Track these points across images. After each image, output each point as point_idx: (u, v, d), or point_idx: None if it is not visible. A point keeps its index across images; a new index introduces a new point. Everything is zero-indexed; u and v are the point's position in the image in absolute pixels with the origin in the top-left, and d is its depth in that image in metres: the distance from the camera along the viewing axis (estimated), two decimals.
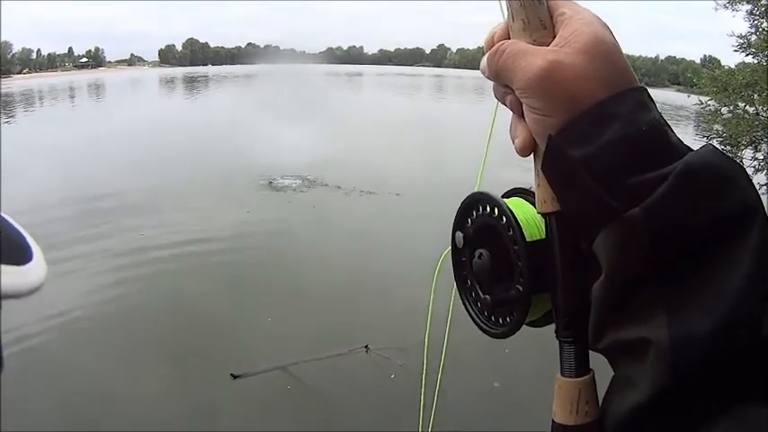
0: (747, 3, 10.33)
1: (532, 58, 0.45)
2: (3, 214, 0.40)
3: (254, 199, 11.83)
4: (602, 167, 0.42)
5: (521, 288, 0.50)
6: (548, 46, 0.47)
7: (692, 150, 0.43)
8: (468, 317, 0.56)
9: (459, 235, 0.56)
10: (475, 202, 0.55)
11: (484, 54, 0.51)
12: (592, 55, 0.44)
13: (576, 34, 0.45)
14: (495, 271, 0.53)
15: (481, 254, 0.54)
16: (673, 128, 0.46)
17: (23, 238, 0.40)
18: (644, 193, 0.40)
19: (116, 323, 6.48)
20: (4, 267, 0.35)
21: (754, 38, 10.23)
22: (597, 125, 0.43)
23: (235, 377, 5.26)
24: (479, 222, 0.54)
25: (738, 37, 10.38)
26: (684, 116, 41.40)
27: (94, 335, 6.22)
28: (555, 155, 0.45)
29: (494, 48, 0.49)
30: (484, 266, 0.53)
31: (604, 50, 0.45)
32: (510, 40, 0.49)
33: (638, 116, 0.43)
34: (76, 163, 15.40)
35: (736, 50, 10.47)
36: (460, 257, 0.57)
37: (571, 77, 0.44)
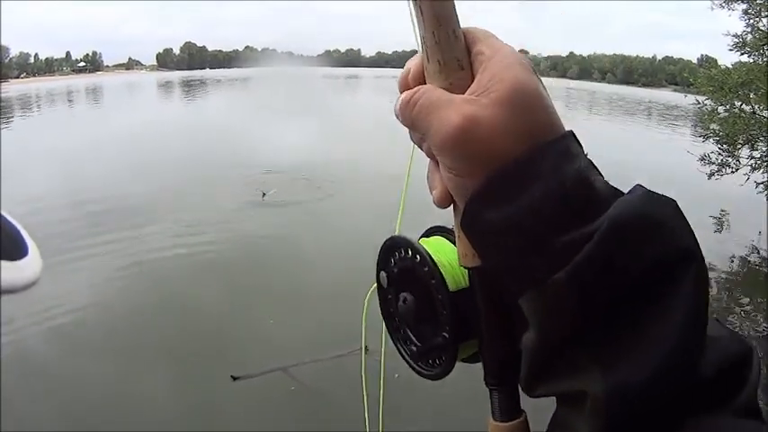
0: (743, 2, 10.35)
1: (447, 113, 0.42)
2: None
3: (252, 202, 11.82)
4: (523, 231, 0.40)
5: (447, 336, 0.50)
6: (465, 89, 0.43)
7: (621, 194, 0.41)
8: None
9: (383, 275, 0.55)
10: (395, 245, 0.54)
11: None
12: (511, 107, 0.41)
13: (494, 81, 0.42)
14: (421, 316, 0.52)
15: (405, 298, 0.53)
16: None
17: (19, 233, 0.40)
18: (569, 255, 0.38)
19: (117, 325, 6.47)
20: (3, 263, 0.35)
21: (749, 37, 10.24)
22: (516, 186, 0.40)
23: (235, 378, 5.26)
24: (402, 265, 0.53)
25: (734, 36, 10.40)
26: (677, 115, 41.59)
27: (95, 336, 6.22)
28: (472, 218, 0.42)
29: (407, 96, 0.45)
30: (409, 311, 0.53)
31: (525, 100, 0.41)
32: (424, 88, 0.45)
33: (561, 170, 0.40)
34: (75, 167, 15.36)
35: (731, 50, 10.49)
36: (386, 296, 0.56)
37: (488, 135, 0.41)
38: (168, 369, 5.50)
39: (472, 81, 0.44)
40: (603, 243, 0.38)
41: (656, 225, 0.39)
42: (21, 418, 4.59)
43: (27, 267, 0.38)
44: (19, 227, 0.41)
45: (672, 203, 0.41)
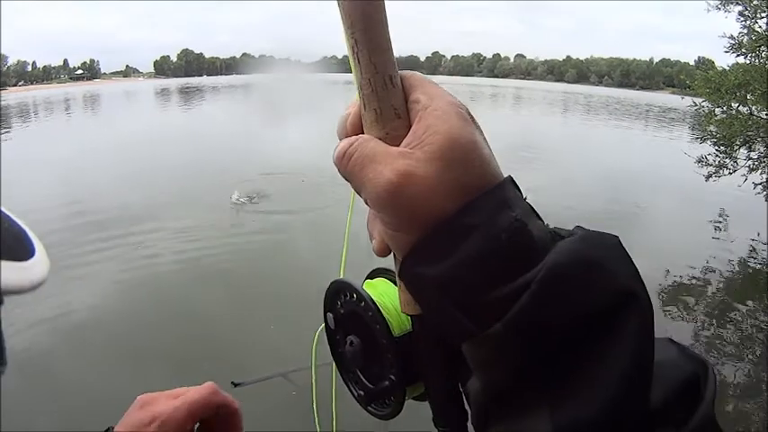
0: (738, 3, 10.39)
1: (381, 169, 0.41)
2: (4, 210, 0.40)
3: (252, 208, 11.83)
4: (459, 286, 0.40)
5: (394, 378, 0.50)
6: (402, 138, 0.43)
7: (560, 237, 0.41)
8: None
9: (330, 316, 0.56)
10: (340, 289, 0.54)
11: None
12: (445, 162, 0.40)
13: (429, 134, 0.41)
14: (368, 359, 0.53)
15: (352, 341, 0.53)
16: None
17: (25, 234, 0.40)
18: (506, 307, 0.38)
19: (116, 331, 6.46)
20: (7, 263, 0.35)
21: (745, 39, 10.28)
22: (451, 242, 0.40)
23: (235, 385, 5.25)
24: (348, 308, 0.54)
25: (730, 38, 10.44)
26: (673, 118, 41.73)
27: (95, 343, 6.22)
28: (408, 273, 0.43)
29: (342, 149, 0.45)
30: (356, 354, 0.53)
31: (459, 154, 0.41)
32: (360, 140, 0.44)
33: (496, 222, 0.40)
34: (74, 175, 15.37)
35: (726, 52, 10.53)
36: (335, 336, 0.57)
37: (422, 192, 0.40)
38: (168, 375, 5.48)
39: (409, 129, 0.43)
40: (540, 293, 0.37)
41: (594, 269, 0.39)
42: (18, 421, 4.60)
43: (33, 268, 0.38)
44: (25, 228, 0.41)
45: (611, 242, 0.41)
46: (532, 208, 0.43)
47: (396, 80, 0.44)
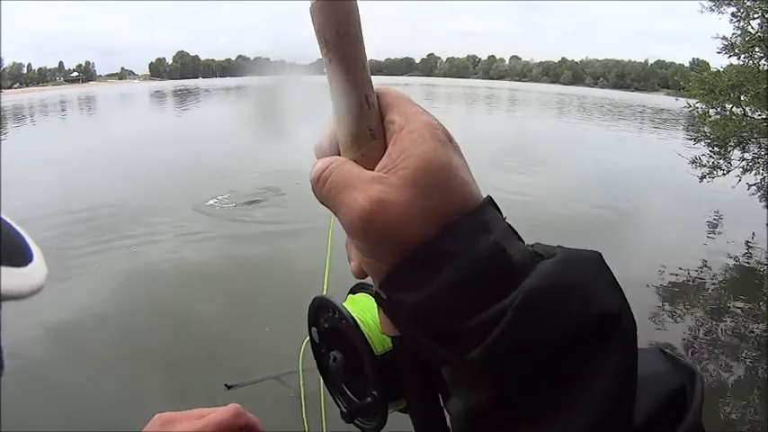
0: (731, 5, 10.44)
1: (356, 195, 0.40)
2: (1, 215, 0.40)
3: (247, 211, 11.83)
4: (436, 314, 0.39)
5: (376, 395, 0.50)
6: (378, 159, 0.42)
7: (541, 257, 0.40)
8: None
9: (314, 330, 0.56)
10: (322, 306, 0.54)
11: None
12: (419, 188, 0.39)
13: (403, 157, 0.40)
14: (352, 374, 0.53)
15: (335, 357, 0.53)
16: None
17: (23, 239, 0.40)
18: (483, 333, 0.37)
19: (110, 333, 6.46)
20: (5, 269, 0.34)
21: (739, 40, 10.34)
22: (427, 270, 0.39)
23: (229, 387, 5.24)
24: (330, 323, 0.53)
25: (722, 39, 10.49)
26: (665, 119, 41.89)
27: (88, 345, 6.22)
28: (383, 301, 0.42)
29: (317, 171, 0.44)
30: (339, 369, 0.53)
31: (434, 178, 0.40)
32: (335, 164, 0.43)
33: (474, 247, 0.39)
34: (70, 177, 15.36)
35: (719, 52, 10.59)
36: (320, 350, 0.56)
37: (396, 219, 0.39)
38: (162, 378, 5.48)
39: (385, 150, 0.42)
40: (517, 319, 0.37)
41: (573, 292, 0.38)
42: (13, 424, 4.59)
43: (31, 273, 0.38)
44: (23, 233, 0.40)
45: (591, 261, 0.40)
46: (512, 228, 0.42)
47: (371, 100, 0.43)
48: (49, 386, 5.34)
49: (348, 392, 0.54)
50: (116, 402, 5.05)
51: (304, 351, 0.60)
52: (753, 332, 7.24)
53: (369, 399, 0.51)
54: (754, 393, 5.91)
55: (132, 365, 5.73)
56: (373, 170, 0.42)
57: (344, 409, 0.54)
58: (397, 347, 0.47)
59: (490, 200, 0.42)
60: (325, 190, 0.43)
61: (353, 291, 0.56)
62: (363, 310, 0.52)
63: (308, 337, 0.57)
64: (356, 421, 0.54)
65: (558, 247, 0.41)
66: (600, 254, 0.41)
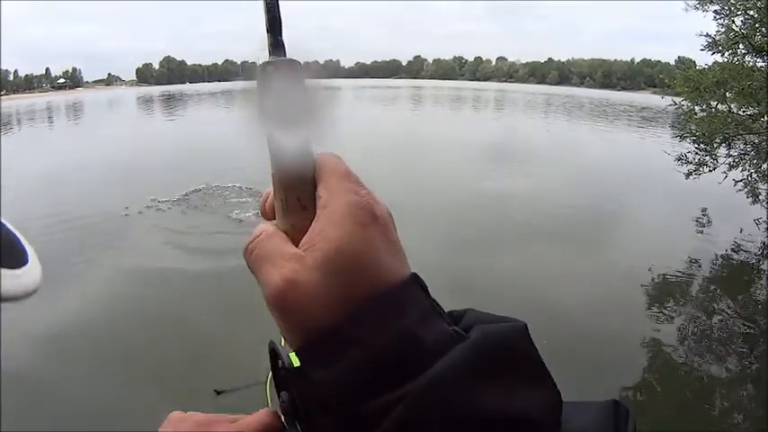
0: (715, 3, 10.53)
1: (273, 271, 0.41)
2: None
3: (236, 216, 11.78)
4: (336, 398, 0.38)
5: None
6: (306, 231, 0.42)
7: (461, 338, 0.39)
8: None
9: (271, 372, 0.55)
10: (272, 349, 0.52)
11: None
12: (331, 273, 0.39)
13: (320, 238, 0.40)
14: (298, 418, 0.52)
15: (283, 399, 0.52)
16: None
17: (18, 240, 0.40)
18: (380, 419, 0.36)
19: (100, 339, 6.45)
20: (2, 271, 0.34)
21: (723, 37, 10.43)
22: (330, 352, 0.38)
23: (218, 393, 5.21)
24: (282, 365, 0.53)
25: (706, 36, 10.58)
26: (644, 117, 42.23)
27: (77, 352, 6.19)
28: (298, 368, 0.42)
29: (248, 242, 0.44)
30: (287, 411, 0.51)
31: (347, 263, 0.39)
32: (263, 235, 0.44)
33: (381, 332, 0.38)
34: (59, 183, 15.29)
35: (702, 50, 10.68)
36: (280, 388, 0.56)
37: (305, 302, 0.39)
38: (151, 383, 5.46)
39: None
40: (415, 406, 0.36)
41: (480, 386, 0.36)
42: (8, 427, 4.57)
43: (27, 276, 0.38)
44: (18, 234, 0.40)
45: (510, 344, 0.39)
46: (436, 307, 0.41)
47: (305, 167, 0.43)
48: (37, 388, 5.33)
49: None
50: (106, 408, 5.03)
51: (269, 388, 0.59)
52: (742, 328, 7.30)
53: None
54: (747, 388, 5.96)
55: (120, 371, 5.70)
56: (299, 243, 0.42)
57: None
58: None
59: (413, 279, 0.41)
60: (250, 262, 0.43)
61: None
62: None
63: (271, 375, 0.56)
64: None
65: (479, 326, 0.40)
66: (525, 327, 0.40)
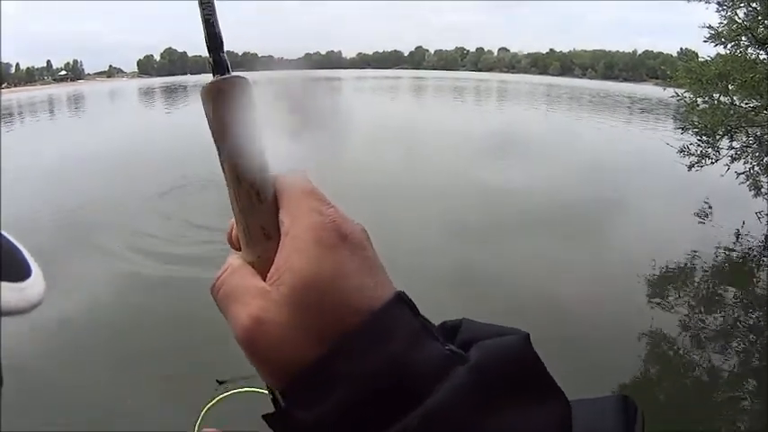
0: None
1: (240, 310, 0.38)
2: (1, 231, 0.39)
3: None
4: None
5: None
6: (272, 264, 0.38)
7: (459, 359, 0.35)
8: None
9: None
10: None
11: None
12: (298, 306, 0.36)
13: (285, 270, 0.37)
14: None
15: None
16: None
17: (21, 254, 0.40)
18: None
19: (102, 329, 6.50)
20: (5, 284, 0.34)
21: (725, 29, 10.37)
22: (315, 392, 0.35)
23: (220, 383, 5.23)
24: None
25: (709, 28, 10.53)
26: (652, 108, 42.05)
27: (80, 347, 6.21)
28: (276, 417, 0.39)
29: (214, 280, 0.41)
30: None
31: (315, 295, 0.36)
32: (229, 270, 0.40)
33: (366, 366, 0.34)
34: (61, 178, 15.29)
35: (705, 41, 10.62)
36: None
37: (276, 341, 0.36)
38: (153, 374, 5.50)
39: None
40: None
41: (488, 411, 0.33)
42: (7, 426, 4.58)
43: (30, 289, 0.38)
44: (21, 247, 0.40)
45: (518, 356, 0.36)
46: (426, 325, 0.37)
47: (264, 194, 0.40)
48: (39, 384, 5.31)
49: None
50: (103, 397, 5.09)
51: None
52: (744, 320, 7.30)
53: None
54: (748, 381, 5.97)
55: (122, 362, 5.72)
56: (267, 275, 0.39)
57: None
58: None
59: (397, 299, 0.37)
60: (218, 301, 0.40)
61: None
62: None
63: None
64: None
65: (479, 344, 0.37)
66: (527, 338, 0.37)
